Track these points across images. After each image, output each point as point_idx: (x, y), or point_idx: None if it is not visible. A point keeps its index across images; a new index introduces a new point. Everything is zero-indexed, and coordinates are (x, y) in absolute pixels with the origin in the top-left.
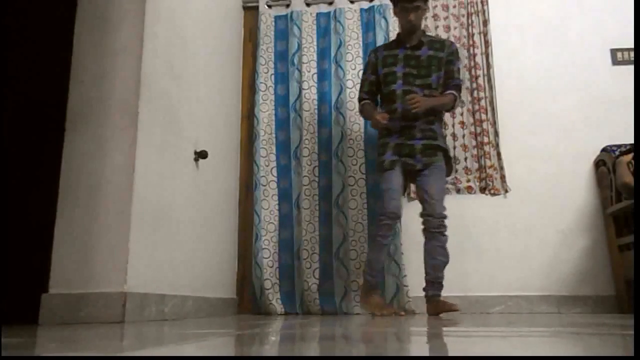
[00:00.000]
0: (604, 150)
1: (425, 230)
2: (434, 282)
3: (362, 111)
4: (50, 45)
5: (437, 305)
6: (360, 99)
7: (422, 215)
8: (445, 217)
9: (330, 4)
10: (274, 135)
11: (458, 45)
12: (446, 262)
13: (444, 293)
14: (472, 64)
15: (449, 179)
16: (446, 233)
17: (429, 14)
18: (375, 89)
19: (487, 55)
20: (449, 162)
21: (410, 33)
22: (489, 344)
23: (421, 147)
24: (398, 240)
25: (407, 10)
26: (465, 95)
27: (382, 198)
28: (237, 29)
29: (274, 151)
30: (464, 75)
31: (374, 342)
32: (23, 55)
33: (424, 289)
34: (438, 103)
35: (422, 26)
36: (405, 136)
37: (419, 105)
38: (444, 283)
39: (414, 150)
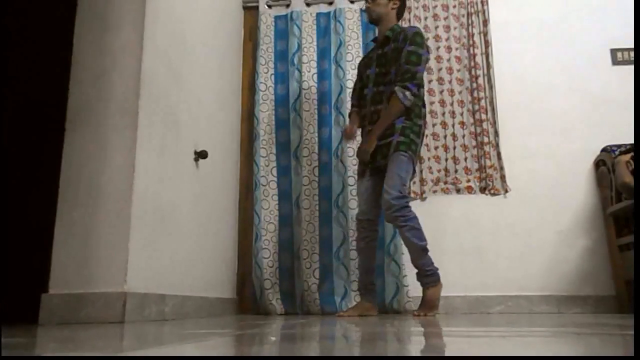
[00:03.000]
0: (604, 150)
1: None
2: (418, 270)
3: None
4: (50, 45)
5: (424, 298)
6: (351, 105)
7: None
8: (398, 206)
9: (330, 4)
10: (274, 135)
11: (458, 45)
12: (417, 251)
13: (447, 293)
14: (472, 64)
15: (449, 178)
16: (405, 223)
17: (429, 14)
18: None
19: (487, 55)
20: (410, 148)
21: (378, 25)
22: (489, 344)
23: (380, 147)
24: (398, 240)
25: (366, 2)
26: (465, 95)
27: None
28: (237, 29)
29: (274, 151)
30: (464, 75)
31: (374, 342)
32: (23, 55)
33: (416, 277)
34: (383, 125)
35: (420, 27)
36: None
37: (367, 150)
38: (432, 270)
39: (376, 152)
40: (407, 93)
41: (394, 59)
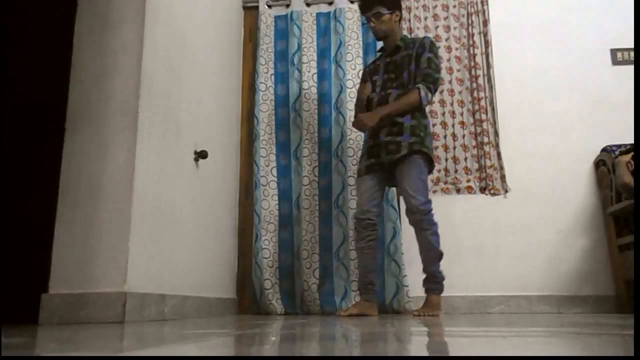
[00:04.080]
0: (604, 150)
1: (411, 226)
2: (428, 276)
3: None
4: (50, 45)
5: (427, 301)
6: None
7: (405, 212)
8: (426, 210)
9: (330, 4)
10: (274, 135)
11: (458, 45)
12: (435, 256)
13: (447, 293)
14: (472, 64)
15: (449, 178)
16: (430, 227)
17: (429, 14)
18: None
19: (487, 55)
20: (425, 155)
21: (384, 40)
22: (489, 344)
23: (385, 144)
24: (398, 240)
25: (368, 20)
26: (465, 95)
27: None
28: (237, 29)
29: (274, 151)
30: (464, 75)
31: (374, 342)
32: (23, 55)
33: (423, 282)
34: (393, 108)
35: (420, 27)
36: (374, 138)
37: (365, 124)
38: (441, 278)
39: (380, 149)
40: (430, 95)
41: (407, 63)
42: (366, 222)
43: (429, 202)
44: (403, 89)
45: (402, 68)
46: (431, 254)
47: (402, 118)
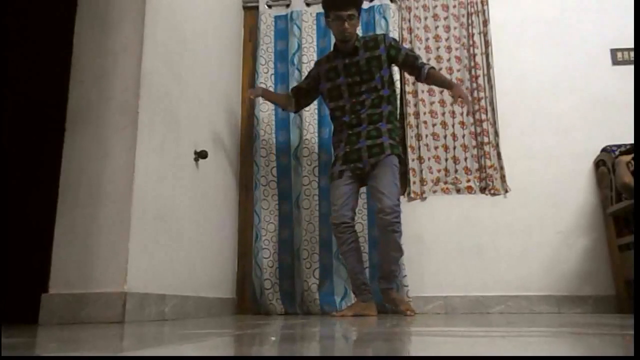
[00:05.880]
0: (604, 150)
1: (378, 227)
2: (384, 275)
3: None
4: (50, 45)
5: (389, 297)
6: (291, 90)
7: (375, 212)
8: (398, 212)
9: None
10: (274, 135)
11: (458, 45)
12: (399, 256)
13: (447, 293)
14: (472, 64)
15: (449, 178)
16: (399, 230)
17: (429, 14)
18: (303, 95)
19: (487, 55)
20: (401, 161)
21: (345, 42)
22: (489, 344)
23: (366, 147)
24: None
25: (342, 19)
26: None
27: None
28: (237, 29)
29: (274, 151)
30: (464, 75)
31: (374, 342)
32: (23, 55)
33: (378, 281)
34: (447, 81)
35: (420, 27)
36: (351, 143)
37: (465, 99)
38: (396, 273)
39: (360, 153)
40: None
41: (377, 67)
42: (343, 226)
43: (399, 205)
44: (375, 93)
45: (371, 73)
46: (398, 255)
47: (379, 123)
